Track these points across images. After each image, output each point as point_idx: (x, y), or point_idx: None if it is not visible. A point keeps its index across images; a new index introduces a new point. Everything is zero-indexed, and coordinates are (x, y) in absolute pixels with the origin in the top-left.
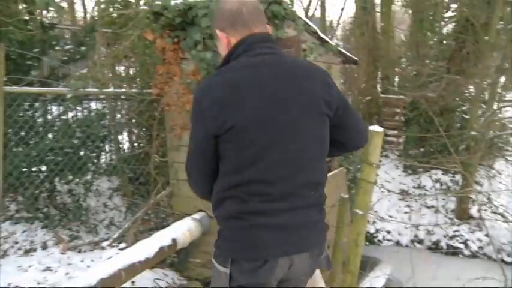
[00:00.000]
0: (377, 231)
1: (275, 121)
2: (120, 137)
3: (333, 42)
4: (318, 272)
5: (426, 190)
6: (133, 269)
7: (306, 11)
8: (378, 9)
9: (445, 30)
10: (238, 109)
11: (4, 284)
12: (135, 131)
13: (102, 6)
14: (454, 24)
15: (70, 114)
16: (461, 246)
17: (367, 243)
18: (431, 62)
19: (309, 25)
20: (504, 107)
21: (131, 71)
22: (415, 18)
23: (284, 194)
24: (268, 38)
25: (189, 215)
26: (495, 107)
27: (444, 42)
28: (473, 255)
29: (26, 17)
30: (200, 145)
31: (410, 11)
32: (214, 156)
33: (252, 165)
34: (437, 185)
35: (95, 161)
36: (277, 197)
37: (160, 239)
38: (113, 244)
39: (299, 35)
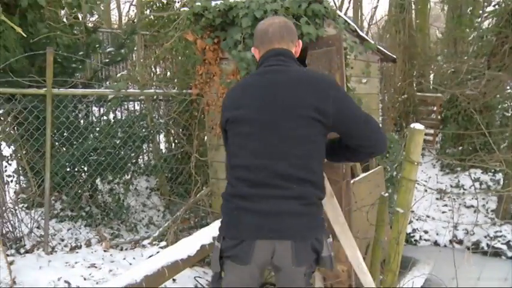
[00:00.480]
0: (414, 230)
1: (261, 117)
2: (158, 137)
3: (371, 41)
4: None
5: (465, 189)
6: (176, 267)
7: (339, 9)
8: (412, 6)
9: (485, 26)
10: (236, 106)
11: (54, 279)
12: (172, 131)
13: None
14: (495, 18)
15: (111, 115)
16: (504, 247)
17: (404, 243)
18: (470, 58)
19: (349, 23)
20: None
21: (168, 72)
22: (453, 15)
23: (264, 181)
24: (283, 52)
25: None
26: None
27: (484, 37)
28: None
29: (71, 22)
30: (222, 135)
31: (446, 8)
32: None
33: (239, 152)
34: (477, 184)
35: (134, 161)
36: (257, 183)
37: (201, 237)
38: (154, 243)
39: (339, 33)
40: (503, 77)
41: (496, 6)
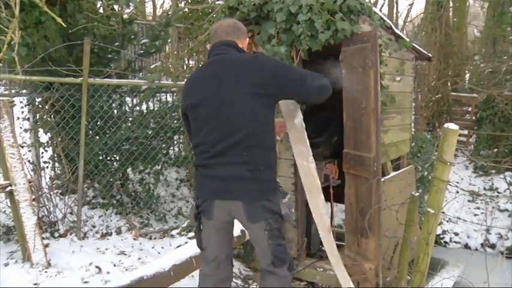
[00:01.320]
0: (444, 232)
1: (213, 101)
2: None
3: (407, 38)
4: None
5: (499, 192)
6: None
7: (374, 6)
8: (450, 4)
9: None
10: (191, 95)
11: (86, 263)
12: None
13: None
14: None
15: (144, 106)
16: None
17: (433, 244)
18: (511, 58)
19: (384, 20)
20: None
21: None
22: (493, 13)
23: (219, 152)
24: (227, 43)
25: None
26: None
27: None
28: None
29: (108, 13)
30: (183, 119)
31: (486, 5)
32: (188, 126)
33: (199, 132)
34: None
35: (165, 151)
36: (214, 154)
37: None
38: (182, 233)
39: (375, 30)
40: None
41: None
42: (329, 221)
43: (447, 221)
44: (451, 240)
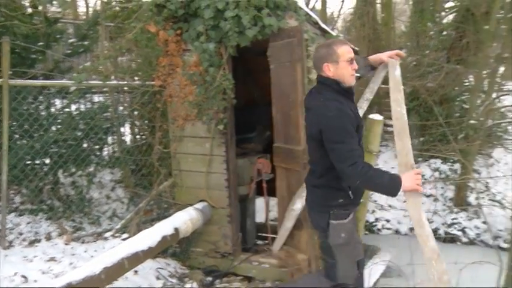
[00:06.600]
0: (376, 220)
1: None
2: (121, 129)
3: (334, 33)
4: None
5: (425, 179)
6: (136, 258)
7: (307, 2)
8: (378, 0)
9: (445, 21)
10: None
11: (10, 273)
12: (137, 123)
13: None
14: (454, 14)
15: (73, 107)
16: (459, 233)
17: (367, 232)
18: (432, 52)
19: (310, 16)
20: (503, 95)
21: (133, 64)
22: (416, 9)
23: None
24: (317, 78)
25: (191, 205)
26: (494, 96)
27: (444, 32)
28: (471, 242)
29: (30, 11)
30: None
31: (410, 2)
32: None
33: None
34: (436, 174)
35: (98, 153)
36: None
37: (163, 228)
38: (116, 235)
39: (300, 25)
40: (460, 70)
41: (456, 2)
42: (412, 159)
43: (379, 210)
44: (383, 227)
